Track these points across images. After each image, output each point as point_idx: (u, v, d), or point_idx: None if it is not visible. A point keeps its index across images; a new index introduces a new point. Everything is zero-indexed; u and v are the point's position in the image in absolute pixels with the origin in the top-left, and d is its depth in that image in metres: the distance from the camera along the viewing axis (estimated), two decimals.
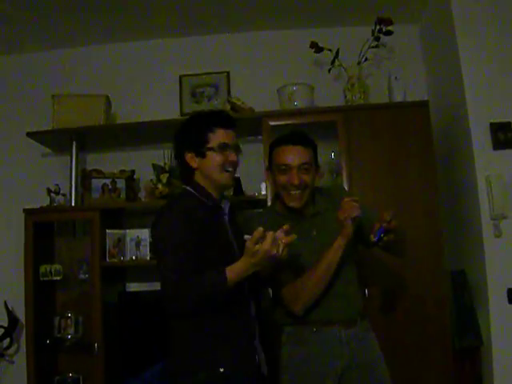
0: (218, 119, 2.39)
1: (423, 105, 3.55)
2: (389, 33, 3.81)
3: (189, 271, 2.16)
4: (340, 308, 2.53)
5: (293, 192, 2.52)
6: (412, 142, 3.52)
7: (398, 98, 3.69)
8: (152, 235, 2.44)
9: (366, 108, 3.67)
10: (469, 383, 3.42)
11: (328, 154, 3.76)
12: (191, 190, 2.40)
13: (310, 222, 2.60)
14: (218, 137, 2.35)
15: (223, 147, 2.35)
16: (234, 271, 2.13)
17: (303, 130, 2.73)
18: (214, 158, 2.34)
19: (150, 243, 3.69)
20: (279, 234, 2.12)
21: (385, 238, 2.37)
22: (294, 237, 2.13)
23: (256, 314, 2.43)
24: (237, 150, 2.41)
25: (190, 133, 2.40)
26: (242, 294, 2.31)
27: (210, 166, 2.36)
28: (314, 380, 2.48)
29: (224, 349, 2.26)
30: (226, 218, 2.43)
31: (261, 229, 2.08)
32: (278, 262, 2.24)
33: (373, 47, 3.89)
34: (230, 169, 2.38)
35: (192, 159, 2.38)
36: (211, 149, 2.34)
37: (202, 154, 2.35)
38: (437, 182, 3.48)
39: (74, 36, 4.25)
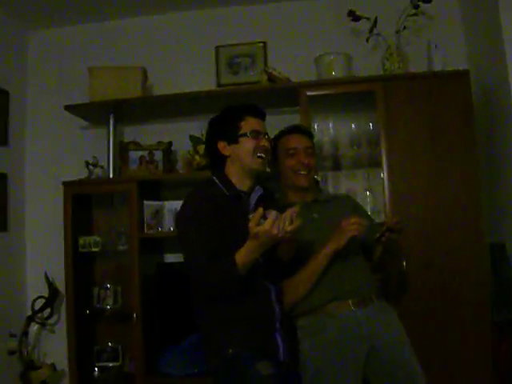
0: (249, 109, 2.53)
1: (463, 74, 3.46)
2: (428, 0, 3.71)
3: (211, 253, 2.22)
4: (350, 285, 2.57)
5: (302, 172, 2.73)
6: (452, 112, 3.45)
7: (438, 67, 3.61)
8: (176, 220, 2.49)
9: (405, 77, 3.59)
10: (507, 356, 3.39)
11: (366, 124, 3.72)
12: (215, 179, 2.49)
13: (311, 208, 2.73)
14: (250, 124, 2.48)
15: (255, 133, 2.47)
16: (241, 254, 2.18)
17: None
18: (247, 143, 2.46)
19: None
20: (291, 212, 2.14)
21: (387, 235, 2.50)
22: (298, 222, 2.14)
23: (279, 299, 2.45)
24: (266, 137, 2.53)
25: (222, 123, 2.53)
26: (259, 279, 2.35)
27: (242, 152, 2.46)
28: (338, 369, 2.46)
29: (236, 331, 2.33)
30: (251, 206, 2.45)
31: (260, 209, 2.11)
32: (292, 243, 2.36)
33: (411, 15, 3.78)
34: (263, 154, 2.47)
35: (224, 147, 2.49)
36: (244, 135, 2.46)
37: (234, 141, 2.47)
38: (477, 153, 3.41)
39: (109, 9, 4.23)
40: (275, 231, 2.09)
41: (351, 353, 2.48)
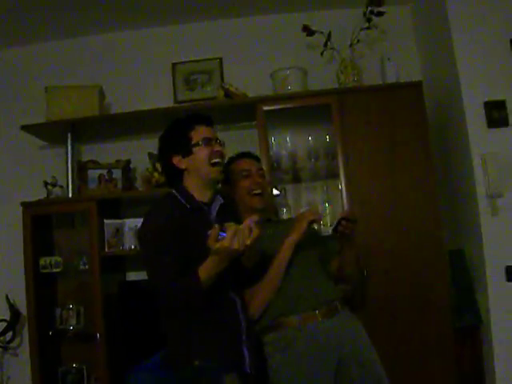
0: (196, 118, 2.51)
1: (417, 85, 3.54)
2: (380, 14, 3.79)
3: (173, 274, 2.22)
4: (317, 296, 2.57)
5: (256, 192, 2.79)
6: (406, 122, 3.51)
7: (392, 79, 3.68)
8: (138, 239, 2.49)
9: (360, 90, 3.65)
10: (469, 362, 3.45)
11: (323, 137, 3.76)
12: (175, 192, 2.47)
13: (264, 226, 2.68)
14: (200, 133, 2.46)
15: (207, 140, 2.45)
16: (204, 270, 2.19)
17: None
18: (201, 152, 2.44)
19: None
20: (248, 222, 2.15)
21: (343, 223, 2.57)
22: (257, 232, 2.15)
23: (245, 311, 2.45)
24: (219, 143, 2.51)
25: (172, 136, 2.51)
26: (224, 291, 2.36)
27: (197, 162, 2.44)
28: (309, 381, 2.47)
29: (203, 343, 2.32)
30: (212, 217, 2.45)
31: (216, 226, 2.12)
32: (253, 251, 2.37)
33: (365, 29, 3.87)
34: (218, 160, 2.46)
35: (180, 161, 2.47)
36: (196, 144, 2.44)
37: (188, 153, 2.45)
38: (432, 162, 3.47)
39: (65, 28, 4.22)
40: (235, 246, 2.09)
41: (322, 365, 2.48)
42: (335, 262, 2.80)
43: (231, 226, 2.12)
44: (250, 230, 2.13)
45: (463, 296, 3.45)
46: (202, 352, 2.31)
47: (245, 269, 2.46)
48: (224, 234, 2.10)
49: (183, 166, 2.46)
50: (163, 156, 2.55)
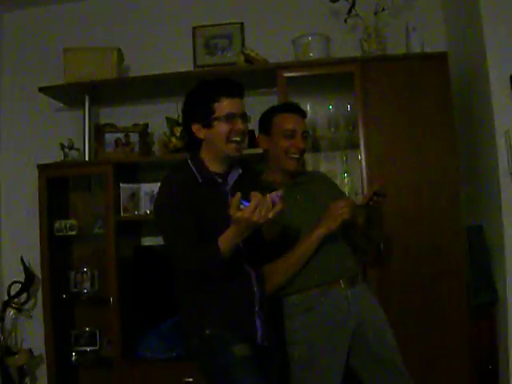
0: (224, 88, 2.34)
1: (442, 56, 3.45)
2: None
3: (192, 243, 2.20)
4: (341, 266, 2.59)
5: (293, 156, 2.63)
6: (430, 94, 3.44)
7: (416, 49, 3.59)
8: (154, 207, 2.44)
9: (383, 59, 3.56)
10: (484, 340, 3.42)
11: (344, 106, 3.70)
12: (190, 162, 2.40)
13: (293, 189, 2.67)
14: (224, 106, 2.31)
15: (229, 117, 2.31)
16: (224, 240, 2.14)
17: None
18: (221, 128, 2.31)
19: None
20: (272, 196, 2.09)
21: (374, 199, 2.52)
22: (280, 207, 2.10)
23: (260, 283, 2.42)
24: (244, 118, 2.37)
25: (195, 104, 2.37)
26: (240, 263, 2.32)
27: (216, 137, 2.33)
28: (327, 347, 2.50)
29: (215, 313, 2.32)
30: (228, 188, 2.39)
31: (239, 194, 2.06)
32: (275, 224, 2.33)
33: None
34: (237, 138, 2.34)
35: (199, 130, 2.35)
36: (217, 119, 2.30)
37: (208, 125, 2.32)
38: (455, 135, 3.41)
39: None
40: (256, 218, 2.04)
41: (341, 329, 2.52)
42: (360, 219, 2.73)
43: (256, 196, 2.06)
44: (273, 205, 2.08)
45: (480, 272, 3.40)
46: (213, 321, 2.32)
47: (264, 241, 2.43)
48: (247, 204, 2.05)
49: (201, 136, 2.36)
50: (184, 120, 2.45)
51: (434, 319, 3.29)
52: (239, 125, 2.32)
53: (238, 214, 2.05)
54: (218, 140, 2.32)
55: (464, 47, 3.76)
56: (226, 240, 2.14)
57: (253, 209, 2.04)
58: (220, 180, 2.39)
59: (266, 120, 2.69)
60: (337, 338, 2.51)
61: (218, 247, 2.13)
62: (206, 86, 2.38)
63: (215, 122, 2.31)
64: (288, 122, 2.65)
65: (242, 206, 2.05)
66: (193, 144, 2.44)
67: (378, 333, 2.57)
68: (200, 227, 2.23)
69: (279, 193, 2.11)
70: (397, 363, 2.55)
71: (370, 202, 2.54)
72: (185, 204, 2.24)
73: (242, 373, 2.23)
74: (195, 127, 2.36)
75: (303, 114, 2.73)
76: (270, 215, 2.07)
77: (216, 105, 2.30)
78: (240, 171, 2.45)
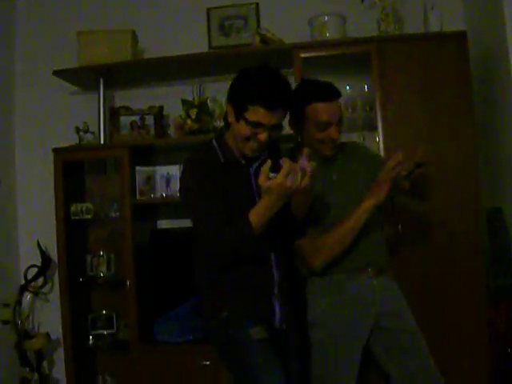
0: (265, 97, 2.16)
1: (461, 35, 3.39)
2: None
3: (221, 220, 2.15)
4: (372, 254, 2.57)
5: (329, 144, 2.50)
6: (448, 74, 3.38)
7: (434, 28, 3.53)
8: (180, 187, 2.40)
9: (401, 39, 3.51)
10: (503, 323, 3.38)
11: (361, 87, 3.66)
12: (214, 143, 2.37)
13: (329, 168, 2.58)
14: (256, 114, 2.18)
15: (256, 125, 2.19)
16: (255, 214, 2.10)
17: (330, 82, 2.60)
18: (244, 128, 2.22)
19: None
20: (302, 161, 2.03)
21: (416, 171, 2.38)
22: (313, 164, 2.04)
23: (280, 266, 2.39)
24: (273, 129, 2.23)
25: (238, 88, 2.26)
26: (260, 247, 2.26)
27: (236, 131, 2.26)
28: (349, 331, 2.50)
29: (232, 295, 2.32)
30: (252, 170, 2.34)
31: (269, 161, 2.02)
32: (307, 195, 2.24)
33: None
34: (255, 144, 2.24)
35: (230, 114, 2.28)
36: (244, 118, 2.20)
37: (237, 117, 2.24)
38: (474, 116, 3.36)
39: None
40: (289, 184, 1.99)
41: (364, 315, 2.52)
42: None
43: (287, 162, 2.00)
44: (305, 173, 2.02)
45: (499, 255, 3.36)
46: (230, 304, 2.32)
47: (294, 218, 2.36)
48: (275, 174, 1.99)
49: (230, 120, 2.29)
50: (228, 92, 2.32)
51: (452, 302, 3.27)
52: (261, 137, 2.21)
53: (270, 182, 2.00)
54: (238, 136, 2.26)
55: (483, 26, 3.69)
56: (258, 214, 2.10)
57: (285, 174, 1.98)
58: (244, 161, 2.34)
59: (297, 108, 2.47)
60: (358, 325, 2.51)
61: (250, 222, 2.09)
62: (253, 80, 2.22)
63: (242, 119, 2.21)
64: (321, 113, 2.46)
65: (271, 175, 2.00)
66: (225, 120, 2.38)
67: (402, 323, 2.56)
68: (225, 208, 2.20)
69: (312, 165, 2.04)
70: (421, 353, 2.54)
71: (412, 175, 2.41)
72: (210, 183, 2.21)
73: (257, 355, 2.24)
74: (229, 108, 2.29)
75: (337, 96, 2.53)
76: (304, 183, 2.02)
77: (250, 107, 2.18)
78: (265, 155, 2.33)
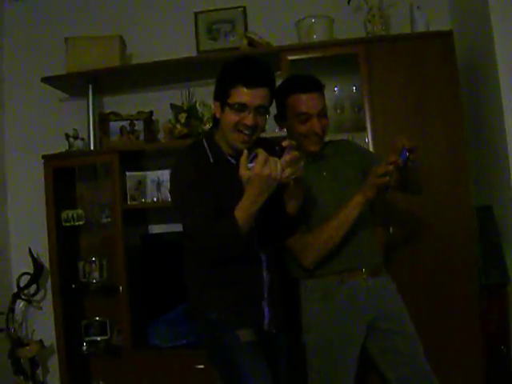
0: (243, 75, 2.18)
1: (447, 35, 3.40)
2: None
3: (210, 219, 2.13)
4: (365, 255, 2.54)
5: (313, 138, 2.48)
6: (436, 73, 3.39)
7: (421, 28, 3.55)
8: (170, 187, 2.40)
9: (388, 39, 3.52)
10: (495, 321, 3.39)
11: (349, 87, 3.67)
12: (204, 141, 2.35)
13: (319, 165, 2.57)
14: (238, 95, 2.18)
15: (240, 107, 2.18)
16: (240, 209, 2.09)
17: (311, 74, 2.61)
18: (229, 116, 2.21)
19: None
20: (290, 155, 2.04)
21: (411, 157, 2.25)
22: (296, 154, 2.05)
23: (271, 268, 2.39)
24: (259, 112, 2.21)
25: (219, 80, 2.28)
26: (250, 248, 2.25)
27: (224, 123, 2.25)
28: (343, 336, 2.47)
29: (221, 297, 2.32)
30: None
31: (246, 152, 2.02)
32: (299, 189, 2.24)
33: None
34: (246, 131, 2.22)
35: (216, 109, 2.28)
36: (228, 105, 2.20)
37: (222, 107, 2.24)
38: (462, 115, 3.37)
39: None
40: (266, 172, 1.98)
41: (358, 319, 2.50)
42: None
43: (261, 152, 2.00)
44: (287, 164, 2.03)
45: (490, 253, 3.37)
46: (219, 306, 2.31)
47: (286, 215, 2.33)
48: (252, 164, 2.00)
49: (218, 116, 2.28)
50: (215, 90, 2.33)
51: (444, 300, 3.27)
52: (249, 119, 2.19)
53: (247, 173, 2.01)
54: (226, 126, 2.24)
55: (469, 25, 3.70)
56: (243, 209, 2.08)
57: (261, 163, 1.98)
58: (234, 161, 2.29)
59: (279, 100, 2.50)
60: (352, 329, 2.49)
61: (235, 219, 2.07)
62: (230, 66, 2.26)
63: (226, 108, 2.21)
64: (300, 104, 2.45)
65: (249, 166, 2.01)
66: (214, 119, 2.37)
67: (398, 325, 2.54)
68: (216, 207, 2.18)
69: (301, 160, 2.05)
70: (416, 356, 2.52)
71: (408, 163, 2.26)
72: (198, 182, 2.19)
73: (244, 358, 2.23)
74: (215, 104, 2.29)
75: (317, 87, 2.51)
76: (288, 172, 2.03)
77: (233, 90, 2.18)
78: (254, 154, 2.27)
